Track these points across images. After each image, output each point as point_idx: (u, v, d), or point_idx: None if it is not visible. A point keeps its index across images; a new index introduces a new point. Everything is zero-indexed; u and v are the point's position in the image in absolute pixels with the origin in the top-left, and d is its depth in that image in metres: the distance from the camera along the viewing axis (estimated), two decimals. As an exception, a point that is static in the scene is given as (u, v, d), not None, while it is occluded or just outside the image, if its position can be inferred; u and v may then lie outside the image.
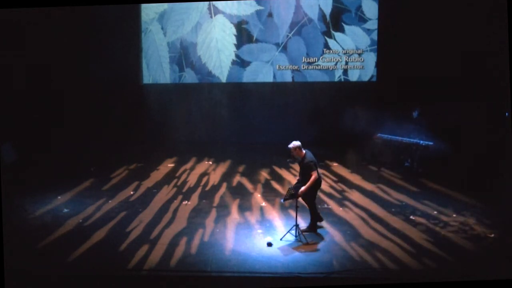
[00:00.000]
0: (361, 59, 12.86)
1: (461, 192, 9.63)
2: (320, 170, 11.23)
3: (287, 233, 7.71)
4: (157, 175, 11.00)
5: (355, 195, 9.71)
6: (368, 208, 8.99)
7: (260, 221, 8.43)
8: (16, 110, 9.83)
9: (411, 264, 6.97)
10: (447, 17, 10.79)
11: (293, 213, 8.01)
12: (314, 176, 7.59)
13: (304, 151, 7.73)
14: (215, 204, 9.26)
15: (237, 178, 10.82)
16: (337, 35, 12.83)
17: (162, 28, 13.11)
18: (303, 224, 8.03)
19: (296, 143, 7.71)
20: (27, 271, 6.90)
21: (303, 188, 7.58)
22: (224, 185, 10.37)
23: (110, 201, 9.30)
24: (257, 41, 12.99)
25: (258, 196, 9.73)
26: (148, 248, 7.38)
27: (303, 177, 7.78)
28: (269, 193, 9.85)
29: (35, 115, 10.72)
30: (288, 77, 13.10)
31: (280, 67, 13.04)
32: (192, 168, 11.62)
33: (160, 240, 7.67)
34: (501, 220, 8.26)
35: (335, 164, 11.78)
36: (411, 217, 8.59)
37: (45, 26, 10.76)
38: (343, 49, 12.84)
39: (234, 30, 12.96)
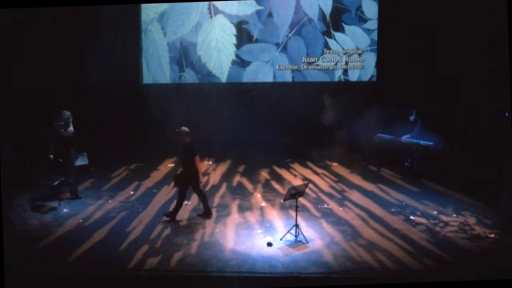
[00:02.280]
0: (361, 59, 12.86)
1: (461, 192, 9.64)
2: (320, 170, 11.40)
3: (287, 233, 7.71)
4: (157, 175, 11.00)
5: (355, 195, 9.71)
6: (368, 208, 8.99)
7: (260, 221, 8.43)
8: (16, 110, 9.82)
9: (411, 264, 6.97)
10: (447, 17, 10.79)
11: (293, 213, 8.01)
12: (196, 159, 8.32)
13: (188, 140, 8.33)
14: (215, 204, 9.25)
15: (237, 178, 10.82)
16: (337, 35, 12.83)
17: (162, 28, 13.11)
18: (302, 223, 8.02)
19: (185, 128, 8.35)
20: (27, 271, 6.89)
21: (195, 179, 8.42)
22: (224, 185, 10.37)
23: (110, 201, 9.31)
24: (257, 41, 12.99)
25: (258, 196, 9.73)
26: (148, 248, 7.38)
27: (183, 162, 8.53)
28: (269, 193, 9.85)
29: (35, 115, 10.70)
30: (288, 77, 13.10)
31: (280, 67, 13.04)
32: (192, 168, 11.61)
33: (160, 240, 7.67)
34: (501, 220, 8.27)
35: (335, 164, 11.78)
36: (411, 217, 8.59)
37: (45, 26, 10.76)
38: (343, 49, 12.84)
39: (234, 30, 12.95)
